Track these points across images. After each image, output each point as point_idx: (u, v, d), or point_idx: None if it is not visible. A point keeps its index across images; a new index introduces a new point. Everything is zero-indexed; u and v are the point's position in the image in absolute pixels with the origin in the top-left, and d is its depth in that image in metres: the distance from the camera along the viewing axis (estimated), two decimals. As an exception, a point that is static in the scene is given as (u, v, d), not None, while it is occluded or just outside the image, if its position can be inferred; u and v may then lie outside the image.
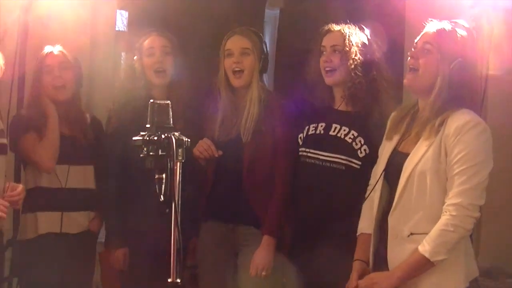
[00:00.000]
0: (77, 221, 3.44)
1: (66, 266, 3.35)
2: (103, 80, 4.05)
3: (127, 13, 4.43)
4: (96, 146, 3.52)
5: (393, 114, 2.95)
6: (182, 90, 3.38)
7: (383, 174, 2.85)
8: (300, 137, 3.30)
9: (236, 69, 3.34)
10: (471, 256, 2.75)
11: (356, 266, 2.91)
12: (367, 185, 3.02)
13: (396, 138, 2.87)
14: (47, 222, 3.36)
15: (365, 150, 3.13)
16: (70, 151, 3.39)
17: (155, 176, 2.15)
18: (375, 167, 2.97)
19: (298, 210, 3.29)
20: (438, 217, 2.62)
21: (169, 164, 2.12)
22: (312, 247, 3.13)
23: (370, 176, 3.02)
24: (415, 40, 2.79)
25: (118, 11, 4.38)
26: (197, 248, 3.47)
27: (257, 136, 3.31)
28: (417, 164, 2.69)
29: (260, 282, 3.27)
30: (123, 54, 4.05)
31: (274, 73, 4.61)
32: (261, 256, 3.25)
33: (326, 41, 3.22)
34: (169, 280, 2.13)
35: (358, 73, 3.12)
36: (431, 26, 2.76)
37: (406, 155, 2.76)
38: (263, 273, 3.24)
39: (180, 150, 2.11)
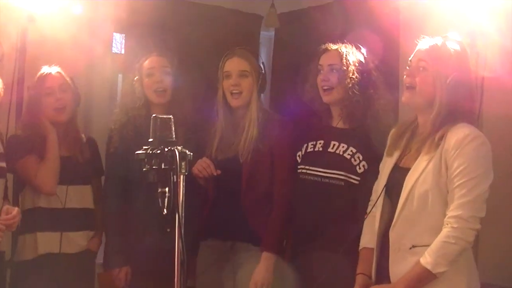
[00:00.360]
0: (76, 241, 3.43)
1: (66, 286, 3.35)
2: (99, 101, 4.08)
3: (123, 35, 4.45)
4: (93, 166, 3.55)
5: (392, 130, 2.98)
6: (181, 110, 3.40)
7: (384, 189, 2.89)
8: (299, 155, 3.33)
9: (235, 91, 3.38)
10: (473, 267, 2.77)
11: (359, 280, 2.93)
12: (366, 200, 3.05)
13: (396, 154, 2.90)
14: (47, 242, 3.35)
15: (363, 166, 3.16)
16: (68, 171, 3.39)
17: (157, 190, 2.17)
18: (376, 183, 3.00)
19: (297, 226, 3.31)
20: (440, 230, 2.64)
21: (172, 178, 2.13)
22: (312, 262, 3.15)
23: (369, 192, 3.04)
24: (409, 58, 2.83)
25: (115, 34, 4.42)
26: (196, 267, 3.48)
27: (255, 155, 3.34)
28: (418, 178, 2.72)
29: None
30: (119, 76, 4.07)
31: (270, 92, 4.64)
32: (260, 273, 3.26)
33: (323, 60, 3.26)
34: (172, 292, 2.14)
35: (355, 91, 3.16)
36: (424, 43, 2.80)
37: (407, 170, 2.79)
38: (263, 290, 3.25)
39: (183, 163, 2.14)
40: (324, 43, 3.32)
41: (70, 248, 3.40)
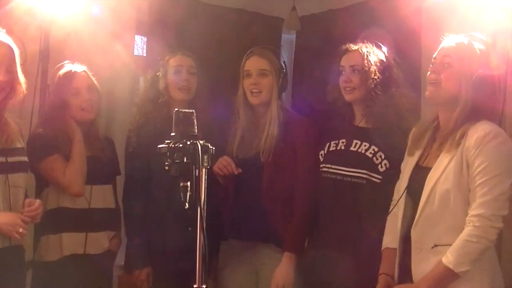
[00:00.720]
0: (99, 242, 3.43)
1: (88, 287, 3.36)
2: (121, 104, 4.11)
3: (145, 38, 4.50)
4: (112, 165, 3.57)
5: (413, 129, 3.00)
6: (203, 108, 3.41)
7: (406, 189, 2.90)
8: (321, 154, 3.35)
9: (254, 90, 3.41)
10: (496, 267, 2.78)
11: (381, 280, 2.94)
12: (388, 199, 3.07)
13: (418, 153, 2.92)
14: (72, 243, 3.34)
15: (385, 164, 3.17)
16: (91, 171, 3.38)
17: (179, 184, 2.18)
18: (398, 182, 3.02)
19: (319, 225, 3.31)
20: (462, 229, 2.66)
21: (194, 172, 2.15)
22: (333, 261, 3.17)
23: (390, 190, 3.07)
24: (434, 55, 2.85)
25: (136, 36, 4.46)
26: (217, 266, 3.51)
27: (276, 155, 3.37)
28: (439, 177, 2.73)
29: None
30: (141, 78, 4.11)
31: (292, 95, 4.66)
32: (282, 273, 3.28)
33: (345, 61, 3.28)
34: (195, 286, 2.17)
35: (377, 91, 3.18)
36: (449, 40, 2.83)
37: (428, 170, 2.80)
38: (284, 290, 3.27)
39: (205, 157, 2.15)
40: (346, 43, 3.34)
41: (94, 249, 3.39)
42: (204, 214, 2.16)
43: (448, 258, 2.64)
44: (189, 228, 3.24)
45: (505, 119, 3.17)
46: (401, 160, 3.01)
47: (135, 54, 4.48)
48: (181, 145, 2.16)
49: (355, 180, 3.20)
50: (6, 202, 3.01)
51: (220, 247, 3.51)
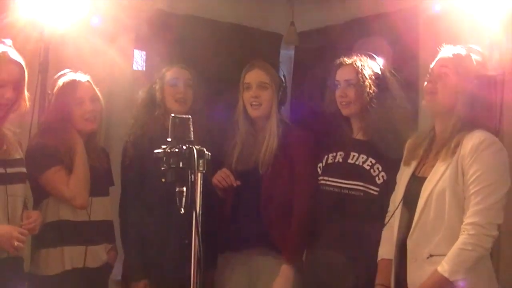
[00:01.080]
0: (98, 255, 3.40)
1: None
2: (118, 117, 4.13)
3: (144, 53, 4.55)
4: (108, 176, 3.57)
5: (409, 140, 3.05)
6: (199, 120, 3.43)
7: (402, 199, 2.93)
8: (319, 167, 3.38)
9: (254, 103, 3.45)
10: (492, 275, 2.80)
11: None
12: (385, 211, 3.10)
13: (414, 164, 2.96)
14: (73, 257, 3.30)
15: (382, 176, 3.20)
16: (92, 182, 3.35)
17: (175, 189, 2.22)
18: (393, 193, 3.06)
19: (317, 237, 3.33)
20: (457, 238, 2.68)
21: (190, 177, 2.19)
22: (331, 273, 3.19)
23: (388, 203, 3.10)
24: (431, 66, 2.90)
25: (135, 51, 4.51)
26: (215, 279, 3.53)
27: (275, 167, 3.40)
28: (435, 186, 2.77)
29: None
30: (140, 92, 4.15)
31: (290, 110, 4.69)
32: (280, 284, 3.31)
33: (340, 76, 3.32)
34: (189, 291, 2.19)
35: (373, 105, 3.21)
36: (446, 51, 2.88)
37: (424, 179, 2.85)
38: (283, 302, 3.29)
39: (201, 161, 2.19)
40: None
41: (93, 262, 3.37)
42: (200, 219, 2.17)
43: (444, 266, 2.66)
44: (186, 241, 3.32)
45: (502, 129, 3.21)
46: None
47: (134, 68, 4.53)
48: (177, 150, 2.19)
49: (352, 192, 3.23)
50: (4, 213, 3.01)
51: (218, 258, 3.53)
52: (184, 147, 2.18)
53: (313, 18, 4.77)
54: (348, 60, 3.31)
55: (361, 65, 3.26)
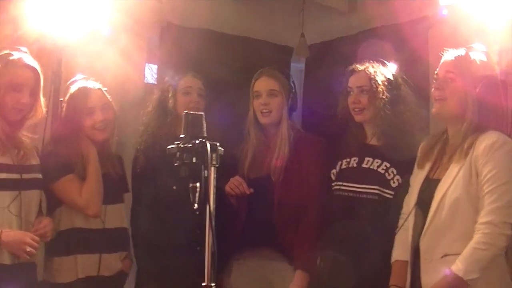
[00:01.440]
0: (112, 263, 3.40)
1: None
2: (130, 131, 4.15)
3: (156, 67, 4.60)
4: (122, 183, 3.58)
5: (422, 143, 3.08)
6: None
7: (416, 202, 2.95)
8: (333, 173, 3.41)
9: (264, 110, 3.49)
10: (506, 276, 2.81)
11: None
12: (400, 215, 3.12)
13: (427, 166, 2.98)
14: (87, 265, 3.30)
15: (397, 180, 3.22)
16: (105, 190, 3.35)
17: (189, 185, 2.24)
18: (407, 196, 3.08)
19: (332, 241, 3.33)
20: (471, 237, 2.70)
21: (203, 172, 2.21)
22: (347, 276, 3.18)
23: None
24: (436, 71, 2.93)
25: (147, 64, 4.57)
26: (228, 285, 3.54)
27: (287, 174, 3.43)
28: (448, 187, 2.79)
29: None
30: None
31: (302, 123, 4.71)
32: None
33: (352, 82, 3.36)
34: (204, 284, 2.21)
35: (386, 110, 3.24)
36: (449, 55, 2.92)
37: (438, 181, 2.87)
38: (297, 308, 3.30)
39: (214, 155, 2.22)
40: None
41: (107, 270, 3.37)
42: (214, 213, 2.19)
43: (458, 266, 2.67)
44: (198, 248, 3.33)
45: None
46: (413, 175, 3.07)
47: (146, 82, 4.58)
48: (190, 145, 2.21)
49: (367, 196, 3.25)
50: (18, 219, 3.05)
51: (232, 265, 3.53)
52: (197, 141, 2.20)
53: (324, 30, 4.81)
54: (360, 67, 3.36)
55: (374, 71, 3.30)
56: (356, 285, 3.14)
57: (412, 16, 4.15)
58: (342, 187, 3.33)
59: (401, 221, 3.08)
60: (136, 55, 4.31)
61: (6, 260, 3.01)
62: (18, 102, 3.03)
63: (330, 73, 4.53)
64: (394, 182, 3.22)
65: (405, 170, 3.16)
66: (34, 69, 3.08)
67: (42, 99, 3.15)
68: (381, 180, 3.24)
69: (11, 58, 3.05)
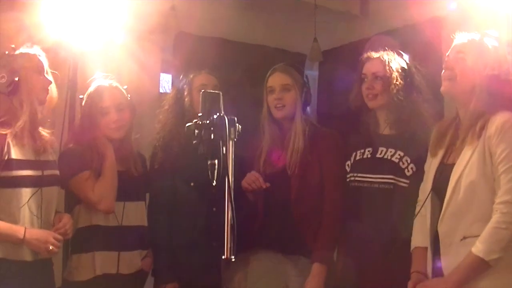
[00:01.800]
0: (132, 261, 3.43)
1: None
2: (145, 143, 4.21)
3: (171, 76, 4.68)
4: (144, 181, 3.60)
5: (434, 129, 3.11)
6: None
7: (431, 188, 2.97)
8: (348, 164, 3.45)
9: (278, 105, 3.55)
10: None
11: (414, 277, 3.01)
12: (416, 202, 3.14)
13: (441, 152, 3.01)
14: (105, 262, 3.33)
15: (412, 168, 3.25)
16: (124, 187, 3.40)
17: (208, 162, 2.28)
18: (422, 183, 3.11)
19: (349, 232, 3.37)
20: (490, 218, 2.72)
21: (221, 149, 2.26)
22: (365, 267, 3.23)
23: (418, 194, 3.14)
24: (447, 54, 2.99)
25: (162, 74, 4.65)
26: (246, 279, 3.57)
27: (303, 168, 3.47)
28: (463, 170, 2.82)
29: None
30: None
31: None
32: (312, 284, 3.34)
33: (367, 69, 3.42)
34: (223, 257, 2.24)
35: (400, 97, 3.29)
36: (461, 37, 2.98)
37: (453, 166, 2.89)
38: (315, 303, 3.32)
39: (232, 129, 2.26)
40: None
41: (127, 268, 3.40)
42: (232, 186, 2.24)
43: (478, 247, 2.69)
44: (213, 243, 3.38)
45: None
46: (427, 163, 3.11)
47: (160, 91, 4.66)
48: (208, 122, 2.26)
49: (382, 186, 3.27)
50: (38, 216, 3.11)
51: (249, 260, 3.56)
52: (215, 116, 2.25)
53: (337, 35, 4.88)
54: (375, 54, 3.42)
55: (388, 59, 3.36)
56: (377, 276, 3.16)
57: (425, 16, 4.21)
58: (357, 178, 3.36)
59: (417, 208, 3.10)
60: (151, 65, 4.39)
61: (28, 256, 3.06)
62: (45, 83, 3.19)
63: (344, 79, 4.60)
64: (408, 171, 3.25)
65: (419, 158, 3.19)
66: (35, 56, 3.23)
67: (51, 79, 3.28)
68: (395, 169, 3.26)
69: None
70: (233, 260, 2.24)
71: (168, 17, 4.29)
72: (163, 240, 3.55)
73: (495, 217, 2.69)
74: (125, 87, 3.58)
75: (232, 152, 2.28)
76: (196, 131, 2.29)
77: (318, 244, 3.39)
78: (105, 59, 4.02)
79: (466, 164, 2.82)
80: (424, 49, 4.05)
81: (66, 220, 3.22)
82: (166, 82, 4.74)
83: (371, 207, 3.29)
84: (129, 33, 4.08)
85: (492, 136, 2.76)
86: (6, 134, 3.05)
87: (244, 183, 3.48)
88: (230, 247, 2.24)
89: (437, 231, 2.92)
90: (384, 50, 3.42)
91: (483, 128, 2.81)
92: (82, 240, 3.37)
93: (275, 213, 3.50)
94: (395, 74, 3.31)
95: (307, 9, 4.77)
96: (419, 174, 3.18)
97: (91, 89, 3.50)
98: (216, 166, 2.28)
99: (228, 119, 2.26)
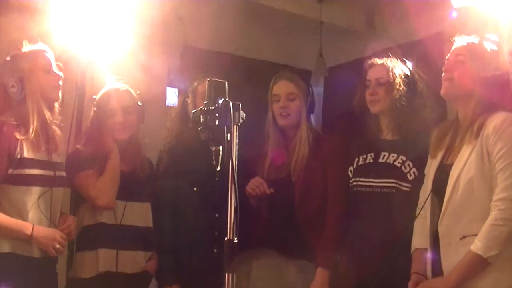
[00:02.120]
0: (133, 261, 3.49)
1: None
2: (152, 153, 4.29)
3: (177, 90, 4.77)
4: (150, 184, 3.67)
5: (434, 132, 3.20)
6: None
7: (431, 190, 3.05)
8: (350, 170, 3.52)
9: (283, 113, 3.64)
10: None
11: (414, 278, 3.06)
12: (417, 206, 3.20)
13: (441, 154, 3.09)
14: (105, 259, 3.40)
15: (414, 173, 3.32)
16: (128, 187, 3.48)
17: (212, 148, 2.38)
18: (423, 186, 3.18)
19: (352, 237, 3.42)
20: (488, 216, 2.77)
21: (226, 136, 2.35)
22: (368, 270, 3.26)
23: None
24: (446, 57, 3.09)
25: (168, 88, 4.75)
26: (249, 283, 3.62)
27: (307, 174, 3.55)
28: (462, 169, 2.90)
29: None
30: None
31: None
32: None
33: (371, 75, 3.51)
34: (226, 238, 2.31)
35: (402, 102, 3.38)
36: (461, 41, 3.08)
37: (451, 166, 2.97)
38: (318, 307, 3.37)
39: (236, 114, 2.36)
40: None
41: (127, 267, 3.46)
42: (236, 169, 2.32)
43: (477, 245, 2.74)
44: (215, 250, 3.44)
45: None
46: (429, 167, 3.18)
47: (167, 104, 4.75)
48: (213, 108, 2.36)
49: (384, 190, 3.35)
50: (47, 215, 3.22)
51: (252, 264, 3.62)
52: (220, 101, 2.34)
53: (342, 52, 4.97)
54: (379, 61, 3.52)
55: (392, 65, 3.46)
56: (379, 279, 3.20)
57: (429, 32, 4.31)
58: (359, 183, 3.43)
59: (418, 210, 3.16)
60: (157, 79, 4.48)
61: (36, 253, 3.16)
62: (55, 80, 3.30)
63: (349, 95, 4.69)
64: (410, 175, 3.32)
65: (421, 163, 3.26)
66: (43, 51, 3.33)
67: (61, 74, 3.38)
68: (397, 173, 3.34)
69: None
70: (235, 241, 2.31)
71: (176, 25, 4.40)
72: (166, 243, 3.61)
73: (493, 214, 2.75)
74: (138, 92, 3.68)
75: (236, 136, 2.36)
76: (202, 117, 2.37)
77: (321, 248, 3.45)
78: (112, 68, 4.13)
79: (465, 163, 2.89)
80: (428, 64, 4.13)
81: (71, 221, 3.32)
82: (172, 96, 4.83)
83: (373, 211, 3.35)
84: (136, 43, 4.16)
85: (490, 135, 2.84)
86: (19, 135, 3.15)
87: (248, 188, 3.55)
88: (233, 229, 2.31)
89: (437, 231, 2.98)
90: (388, 57, 3.52)
91: (481, 127, 2.89)
92: (87, 238, 3.46)
93: (279, 218, 3.57)
94: (398, 80, 3.40)
95: (313, 26, 4.89)
96: (421, 179, 3.24)
97: (102, 91, 3.62)
98: (220, 153, 2.37)
99: (232, 104, 2.35)
